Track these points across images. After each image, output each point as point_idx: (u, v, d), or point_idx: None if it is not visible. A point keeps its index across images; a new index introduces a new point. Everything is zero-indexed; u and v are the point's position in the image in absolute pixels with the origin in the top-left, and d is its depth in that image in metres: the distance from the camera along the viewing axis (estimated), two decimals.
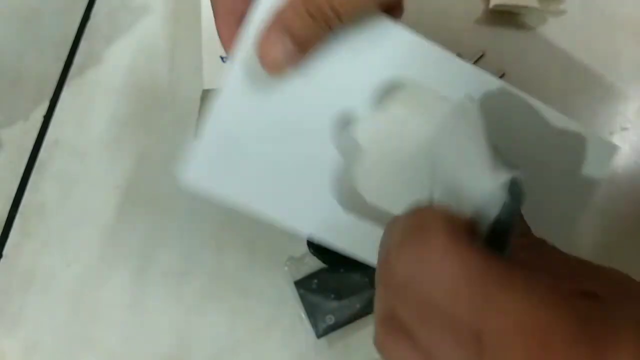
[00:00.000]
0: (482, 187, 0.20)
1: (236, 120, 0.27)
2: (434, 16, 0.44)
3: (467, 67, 0.27)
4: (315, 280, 0.39)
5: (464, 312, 0.18)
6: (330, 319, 0.38)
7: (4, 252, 0.42)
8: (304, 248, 0.39)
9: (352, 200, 0.27)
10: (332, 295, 0.38)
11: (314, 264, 0.39)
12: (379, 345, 0.21)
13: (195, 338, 0.40)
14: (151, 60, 0.45)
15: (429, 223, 0.20)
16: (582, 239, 0.40)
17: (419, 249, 0.19)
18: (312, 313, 0.38)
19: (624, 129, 0.43)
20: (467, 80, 0.27)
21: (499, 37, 0.44)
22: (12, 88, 0.45)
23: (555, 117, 0.27)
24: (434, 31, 0.43)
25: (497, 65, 0.42)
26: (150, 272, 0.41)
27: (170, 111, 0.44)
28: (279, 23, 0.25)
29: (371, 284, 0.38)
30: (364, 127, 0.27)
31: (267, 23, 0.25)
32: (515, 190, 0.19)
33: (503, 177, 0.19)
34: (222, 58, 0.38)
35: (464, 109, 0.25)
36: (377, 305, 0.21)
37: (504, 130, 0.27)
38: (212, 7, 0.27)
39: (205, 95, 0.39)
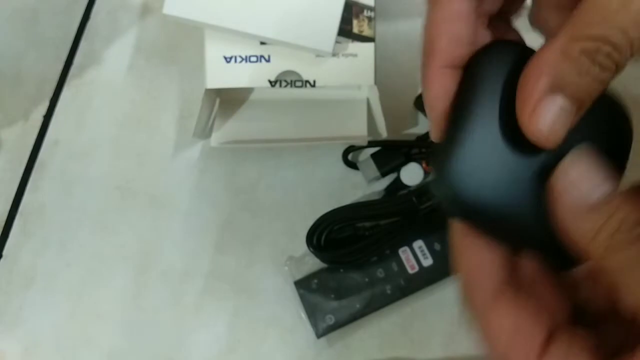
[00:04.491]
0: None
1: None
2: None
3: None
4: (315, 280, 0.39)
5: None
6: (330, 319, 0.38)
7: (4, 252, 0.42)
8: (304, 248, 0.39)
9: None
10: (332, 295, 0.38)
11: (314, 264, 0.39)
12: None
13: (195, 338, 0.40)
14: (151, 61, 0.45)
15: None
16: None
17: None
18: (312, 313, 0.38)
19: None
20: None
21: None
22: (12, 88, 0.45)
23: None
24: None
25: None
26: (150, 272, 0.41)
27: (171, 111, 0.44)
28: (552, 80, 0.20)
29: (371, 284, 0.39)
30: None
31: (534, 81, 0.20)
32: None
33: None
34: (225, 58, 0.38)
35: None
36: None
37: None
38: (423, 54, 0.22)
39: (207, 95, 0.39)
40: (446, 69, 0.22)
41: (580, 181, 0.20)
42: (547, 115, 0.20)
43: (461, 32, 0.22)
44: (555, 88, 0.20)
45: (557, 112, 0.20)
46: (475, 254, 0.21)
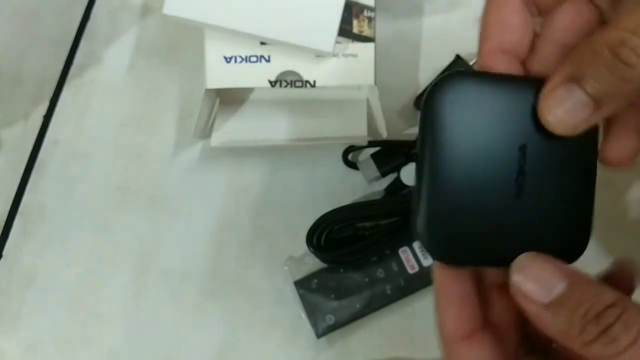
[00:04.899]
0: None
1: None
2: (433, 16, 0.44)
3: None
4: (315, 280, 0.39)
5: None
6: (330, 319, 0.38)
7: (4, 252, 0.42)
8: (304, 248, 0.39)
9: None
10: (332, 295, 0.38)
11: (314, 264, 0.39)
12: None
13: (195, 338, 0.40)
14: (151, 61, 0.45)
15: None
16: None
17: None
18: (312, 313, 0.38)
19: None
20: None
21: None
22: (12, 88, 0.45)
23: None
24: (434, 32, 0.44)
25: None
26: (150, 272, 0.41)
27: (171, 111, 0.44)
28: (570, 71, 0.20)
29: (371, 284, 0.39)
30: None
31: (557, 68, 0.20)
32: None
33: None
34: (225, 58, 0.38)
35: None
36: None
37: None
38: (479, 39, 0.24)
39: (207, 95, 0.39)
40: (497, 53, 0.23)
41: (537, 284, 0.20)
42: (559, 104, 0.20)
43: (511, 20, 0.23)
44: (573, 78, 0.20)
45: (572, 102, 0.20)
46: (450, 290, 0.23)
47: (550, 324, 0.20)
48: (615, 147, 0.23)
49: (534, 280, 0.20)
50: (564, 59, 0.21)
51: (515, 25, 0.23)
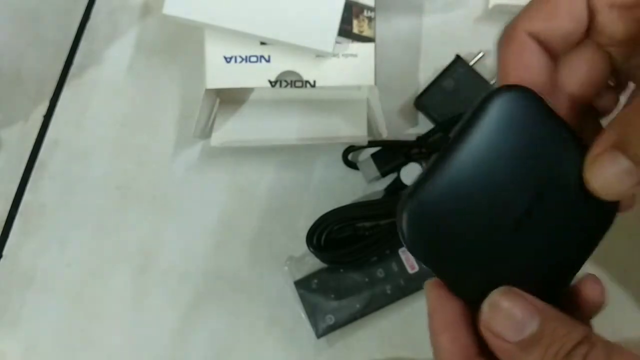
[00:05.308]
0: None
1: None
2: (433, 16, 0.44)
3: None
4: (315, 280, 0.39)
5: None
6: (330, 319, 0.38)
7: (4, 252, 0.42)
8: (304, 248, 0.39)
9: None
10: (332, 295, 0.38)
11: (314, 264, 0.39)
12: None
13: (195, 338, 0.40)
14: (151, 60, 0.45)
15: None
16: None
17: None
18: (312, 313, 0.38)
19: None
20: None
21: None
22: (12, 88, 0.45)
23: None
24: (434, 31, 0.44)
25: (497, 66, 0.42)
26: (150, 272, 0.41)
27: (171, 111, 0.44)
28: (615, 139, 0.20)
29: (371, 284, 0.39)
30: None
31: (603, 134, 0.20)
32: None
33: None
34: (225, 58, 0.38)
35: None
36: None
37: None
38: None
39: (207, 95, 0.39)
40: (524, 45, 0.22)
41: (508, 322, 0.20)
42: (604, 171, 0.20)
43: (533, 63, 0.22)
44: (619, 145, 0.19)
45: (617, 170, 0.19)
46: (444, 312, 0.22)
47: None
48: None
49: (505, 317, 0.20)
50: (610, 125, 0.20)
51: (536, 69, 0.23)
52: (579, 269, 0.23)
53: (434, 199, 0.21)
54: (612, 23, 0.22)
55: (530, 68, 0.22)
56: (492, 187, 0.21)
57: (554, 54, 0.23)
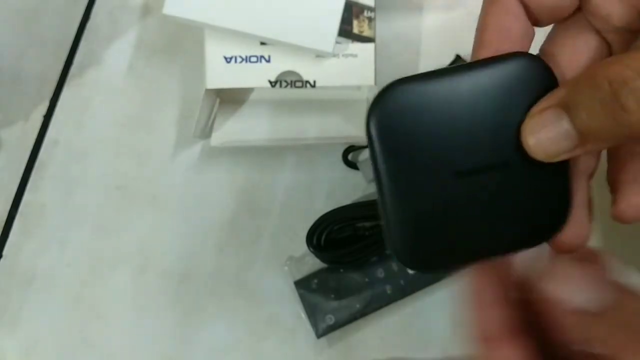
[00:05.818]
0: None
1: None
2: (433, 16, 0.44)
3: None
4: (315, 280, 0.39)
5: None
6: (330, 319, 0.38)
7: (4, 252, 0.42)
8: (304, 248, 0.39)
9: None
10: (332, 295, 0.38)
11: (314, 264, 0.39)
12: None
13: (195, 338, 0.40)
14: (151, 60, 0.45)
15: None
16: None
17: None
18: (312, 313, 0.38)
19: None
20: None
21: None
22: (12, 88, 0.45)
23: None
24: (434, 31, 0.44)
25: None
26: (150, 272, 0.41)
27: (171, 111, 0.44)
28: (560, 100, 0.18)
29: (371, 284, 0.38)
30: None
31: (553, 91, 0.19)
32: None
33: None
34: (225, 58, 0.38)
35: None
36: None
37: None
38: (473, 45, 0.22)
39: (207, 95, 0.39)
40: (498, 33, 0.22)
41: (580, 291, 0.19)
42: (541, 128, 0.19)
43: (513, 28, 0.21)
44: (564, 106, 0.18)
45: (555, 130, 0.18)
46: (488, 292, 0.21)
47: (588, 333, 0.19)
48: (629, 205, 0.21)
49: (575, 287, 0.19)
50: (563, 82, 0.19)
51: (516, 34, 0.22)
52: (568, 187, 0.22)
53: (406, 218, 0.22)
54: (606, 2, 0.21)
55: (510, 32, 0.21)
56: (467, 124, 0.21)
57: (538, 23, 0.22)
